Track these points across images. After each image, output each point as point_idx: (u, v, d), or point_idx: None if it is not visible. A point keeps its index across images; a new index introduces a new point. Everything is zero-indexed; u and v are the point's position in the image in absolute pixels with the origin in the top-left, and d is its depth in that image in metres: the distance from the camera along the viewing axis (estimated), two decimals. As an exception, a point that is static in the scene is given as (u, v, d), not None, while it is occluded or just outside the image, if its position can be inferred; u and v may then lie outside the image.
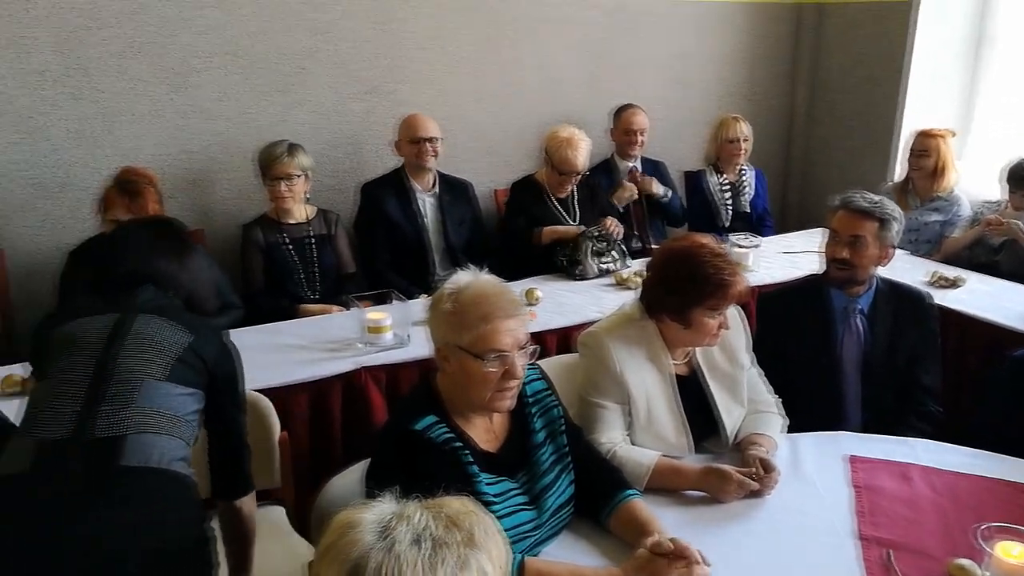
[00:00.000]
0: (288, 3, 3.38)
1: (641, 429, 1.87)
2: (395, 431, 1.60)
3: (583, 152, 3.44)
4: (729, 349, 1.98)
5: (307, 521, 2.39)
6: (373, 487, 1.54)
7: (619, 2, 4.16)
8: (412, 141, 3.33)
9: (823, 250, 2.37)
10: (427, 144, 3.33)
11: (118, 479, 1.50)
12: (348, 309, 3.03)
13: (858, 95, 4.56)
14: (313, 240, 3.19)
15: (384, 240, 3.41)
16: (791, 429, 2.04)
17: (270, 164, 3.04)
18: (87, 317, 1.66)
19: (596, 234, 3.26)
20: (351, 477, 1.87)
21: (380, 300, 2.79)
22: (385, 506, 0.99)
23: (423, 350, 2.64)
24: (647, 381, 1.88)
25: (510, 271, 2.69)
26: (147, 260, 1.76)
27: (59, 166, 3.12)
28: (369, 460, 1.76)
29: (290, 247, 3.14)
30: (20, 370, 2.40)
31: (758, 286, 3.10)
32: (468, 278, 1.60)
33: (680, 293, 1.81)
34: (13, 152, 3.03)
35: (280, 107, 3.45)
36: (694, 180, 4.07)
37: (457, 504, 0.99)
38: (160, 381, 1.60)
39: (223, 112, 3.36)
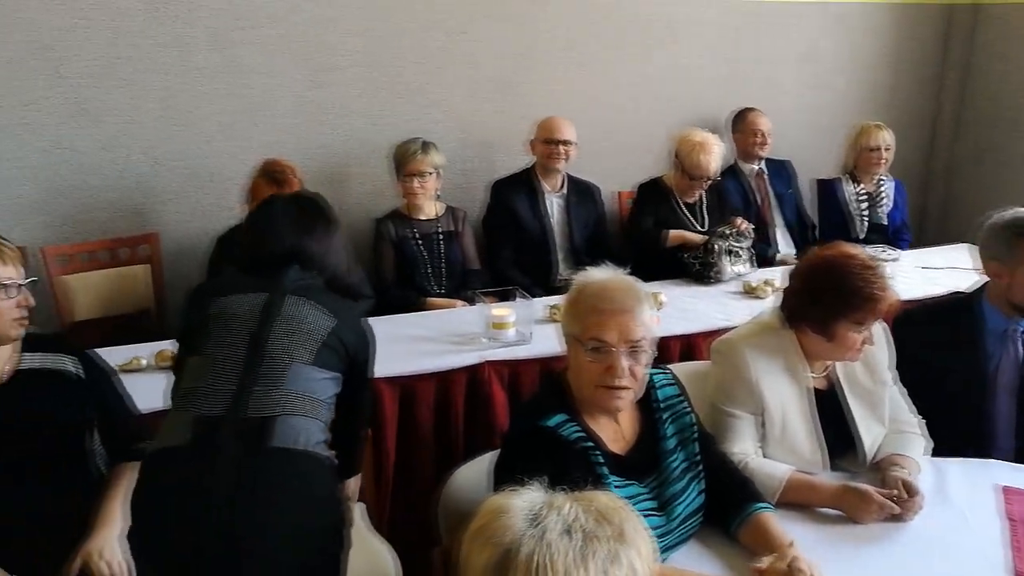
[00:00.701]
0: (427, 4, 3.48)
1: (775, 442, 1.82)
2: (525, 427, 1.61)
3: (716, 157, 3.38)
4: (872, 364, 1.90)
5: (386, 517, 2.46)
6: (502, 481, 1.57)
7: (754, 2, 4.06)
8: (546, 142, 3.36)
9: (982, 270, 2.21)
10: (560, 147, 3.36)
11: (267, 458, 1.58)
12: (472, 304, 3.10)
13: (1016, 104, 4.27)
14: (441, 236, 3.27)
15: (509, 238, 3.46)
16: (933, 453, 1.94)
17: (404, 161, 3.14)
18: (239, 295, 1.74)
19: (727, 233, 3.19)
20: (477, 468, 1.90)
21: (504, 297, 2.83)
22: (534, 495, 1.00)
23: (545, 348, 2.67)
24: (783, 393, 1.83)
25: (634, 274, 2.67)
26: (294, 238, 1.81)
27: (210, 157, 3.32)
28: (497, 453, 1.79)
29: (419, 242, 3.23)
30: (170, 346, 2.57)
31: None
32: (602, 273, 1.60)
33: (825, 304, 1.75)
34: (171, 143, 3.25)
35: (415, 106, 3.55)
36: (828, 188, 3.91)
37: (606, 499, 1.00)
38: (306, 365, 1.67)
39: (361, 110, 3.48)
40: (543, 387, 1.78)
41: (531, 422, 1.58)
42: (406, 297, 3.14)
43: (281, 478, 1.57)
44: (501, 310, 2.70)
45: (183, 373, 1.74)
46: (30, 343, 1.88)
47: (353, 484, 1.94)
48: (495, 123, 3.72)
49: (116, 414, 1.96)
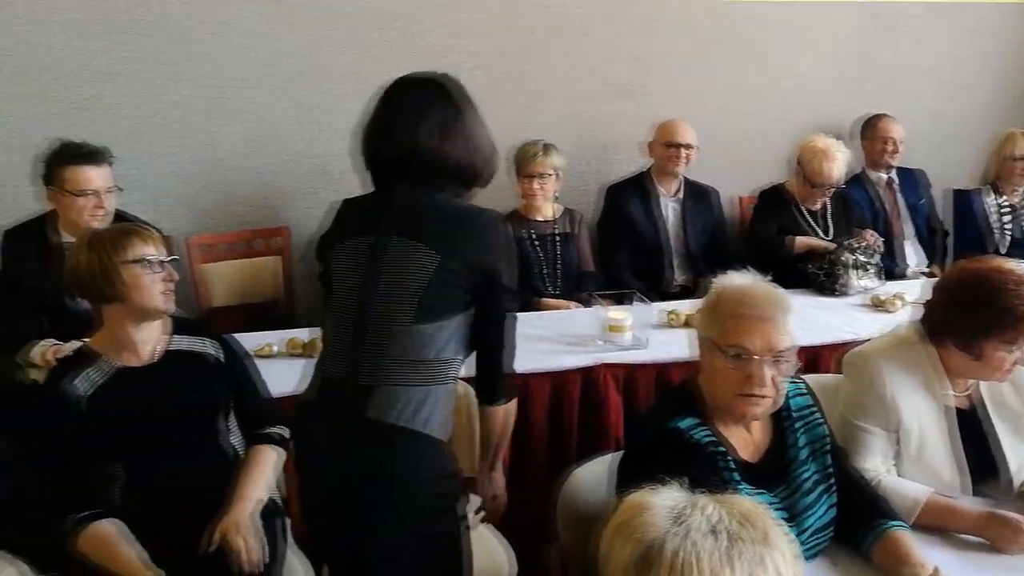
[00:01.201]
0: (551, 6, 3.51)
1: (910, 461, 1.75)
2: (654, 427, 1.61)
3: (840, 165, 3.27)
4: (1021, 385, 1.79)
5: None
6: (626, 481, 1.58)
7: (882, 4, 3.90)
8: (667, 145, 3.34)
9: None
10: (681, 150, 3.33)
11: (360, 431, 1.60)
12: (586, 306, 3.12)
13: None
14: (557, 237, 3.29)
15: (624, 242, 3.45)
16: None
17: (525, 162, 3.18)
18: (349, 240, 1.70)
19: (855, 246, 3.08)
20: (596, 468, 1.91)
21: (621, 300, 2.83)
22: (675, 494, 1.01)
23: (662, 353, 2.66)
24: (920, 410, 1.75)
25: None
26: (403, 134, 1.72)
27: (341, 156, 3.44)
28: (618, 454, 1.80)
29: (535, 242, 3.26)
30: (300, 334, 2.70)
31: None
32: (743, 279, 1.58)
33: (972, 320, 1.66)
34: (305, 141, 3.41)
35: (535, 107, 3.59)
36: (965, 200, 3.71)
37: (748, 503, 0.99)
38: (412, 324, 1.59)
39: (483, 111, 3.53)
40: (671, 390, 1.76)
41: (659, 423, 1.58)
42: (521, 297, 3.17)
43: (373, 453, 1.59)
44: (618, 313, 2.70)
45: (323, 329, 1.77)
46: (178, 326, 2.00)
47: (501, 417, 1.75)
48: (613, 125, 3.72)
49: (250, 397, 2.07)
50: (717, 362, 1.53)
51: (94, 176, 2.57)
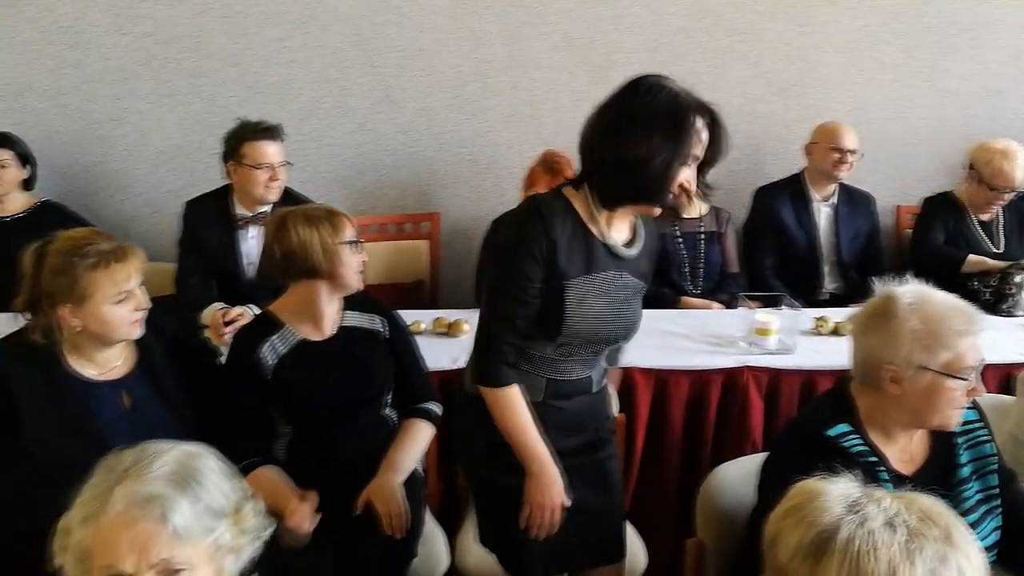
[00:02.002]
0: (708, 4, 3.46)
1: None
2: (803, 433, 1.57)
3: (1021, 166, 3.05)
4: None
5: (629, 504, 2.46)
6: (772, 482, 1.55)
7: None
8: (832, 149, 3.22)
9: None
10: (848, 155, 3.20)
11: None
12: (729, 308, 3.07)
13: None
14: (703, 235, 3.25)
15: (772, 246, 3.36)
16: None
17: (678, 158, 3.15)
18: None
19: (1030, 268, 2.89)
20: (739, 468, 1.89)
21: (767, 303, 2.77)
22: (848, 484, 0.99)
23: (809, 360, 2.58)
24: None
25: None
26: None
27: (490, 146, 3.55)
28: (764, 455, 1.77)
29: (680, 240, 3.23)
30: (445, 314, 2.79)
31: None
32: (918, 291, 1.51)
33: None
34: (458, 131, 3.51)
35: (687, 104, 3.54)
36: None
37: (928, 501, 0.96)
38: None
39: (634, 106, 3.54)
40: (824, 395, 1.71)
41: (812, 430, 1.54)
42: (661, 294, 3.15)
43: None
44: (766, 316, 2.64)
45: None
46: (349, 302, 2.12)
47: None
48: (768, 126, 3.62)
49: (411, 373, 2.18)
50: (943, 387, 1.45)
51: (271, 150, 2.78)
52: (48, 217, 3.19)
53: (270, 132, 2.80)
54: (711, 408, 2.57)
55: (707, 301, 3.14)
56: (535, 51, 3.44)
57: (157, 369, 1.98)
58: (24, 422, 1.82)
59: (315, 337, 2.05)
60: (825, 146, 3.27)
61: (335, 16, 3.32)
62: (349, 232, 2.03)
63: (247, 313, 2.66)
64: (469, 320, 2.79)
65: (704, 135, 1.68)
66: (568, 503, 1.76)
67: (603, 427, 1.90)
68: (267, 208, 2.89)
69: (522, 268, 1.64)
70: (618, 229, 1.75)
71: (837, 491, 0.97)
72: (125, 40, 3.29)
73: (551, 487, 1.72)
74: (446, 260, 3.53)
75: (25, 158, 3.16)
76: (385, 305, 2.21)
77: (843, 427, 1.52)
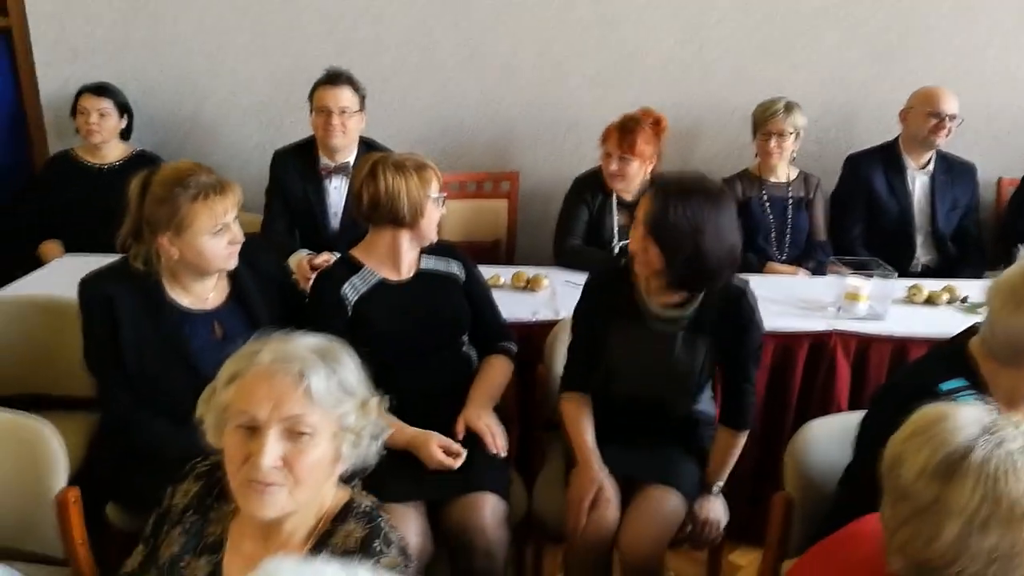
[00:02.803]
0: (807, -37, 3.34)
1: None
2: (913, 385, 1.50)
3: None
4: None
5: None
6: (873, 437, 1.50)
7: None
8: (932, 114, 3.07)
9: None
10: (946, 120, 3.06)
11: None
12: (815, 275, 2.98)
13: None
14: (791, 201, 3.16)
15: (862, 215, 3.24)
16: None
17: (765, 119, 3.06)
18: None
19: None
20: (830, 424, 1.86)
21: (858, 269, 2.67)
22: (977, 409, 0.94)
23: (899, 328, 2.49)
24: None
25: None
26: None
27: (573, 106, 3.51)
28: (852, 414, 1.72)
29: (767, 204, 3.14)
30: (525, 270, 2.79)
31: None
32: None
33: None
34: (540, 90, 3.49)
35: (779, 68, 3.44)
36: None
37: None
38: None
39: (722, 69, 3.46)
40: (940, 349, 1.63)
41: (923, 381, 1.47)
42: (746, 260, 3.07)
43: None
44: (857, 281, 2.55)
45: None
46: (428, 247, 2.17)
47: None
48: (864, 91, 3.48)
49: (487, 314, 2.23)
50: None
51: (331, 96, 2.83)
52: (144, 166, 3.24)
53: (332, 78, 2.86)
54: (796, 372, 2.51)
55: (793, 268, 3.06)
56: (623, 10, 3.38)
57: (250, 301, 2.04)
58: (124, 344, 1.89)
59: (394, 278, 2.10)
60: (922, 111, 3.12)
61: (420, -28, 3.34)
62: (435, 187, 2.07)
63: (332, 259, 2.71)
64: (548, 275, 2.79)
65: None
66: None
67: None
68: (350, 159, 2.93)
69: None
70: None
71: (968, 414, 0.93)
72: (221, -5, 3.36)
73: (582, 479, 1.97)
74: (523, 220, 3.52)
75: (124, 108, 3.28)
76: (459, 250, 2.26)
77: (959, 382, 1.46)
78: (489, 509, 1.89)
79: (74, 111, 3.22)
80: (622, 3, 3.37)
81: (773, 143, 3.05)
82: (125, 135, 3.32)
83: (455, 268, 2.19)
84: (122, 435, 1.90)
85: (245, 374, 1.16)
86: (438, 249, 2.19)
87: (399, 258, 2.09)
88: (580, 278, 2.44)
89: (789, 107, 3.05)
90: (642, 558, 1.90)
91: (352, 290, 2.06)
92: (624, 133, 2.80)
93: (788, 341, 2.49)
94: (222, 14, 3.39)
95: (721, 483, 2.06)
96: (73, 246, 3.12)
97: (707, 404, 2.18)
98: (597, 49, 3.43)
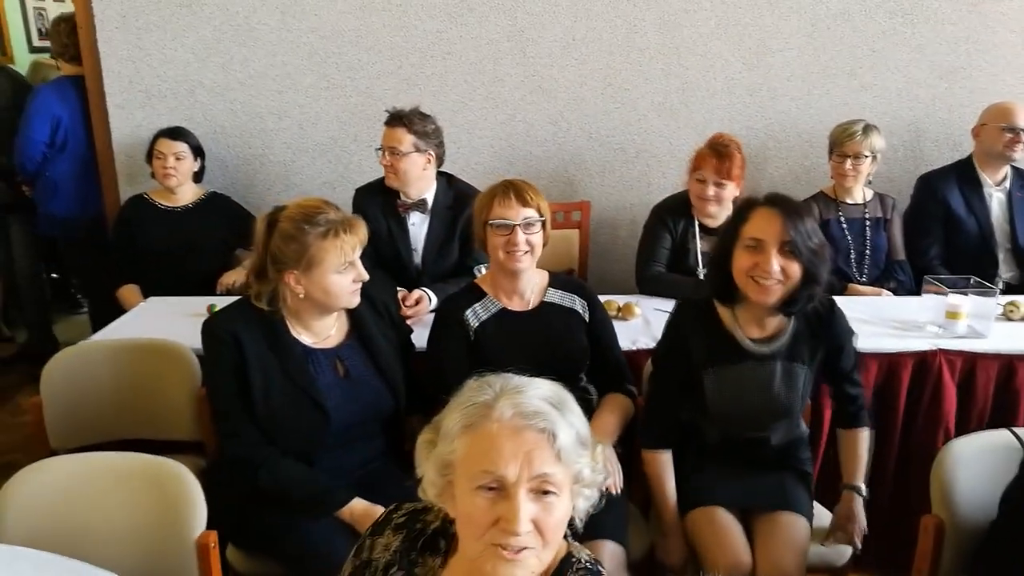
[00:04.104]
0: (871, -15, 3.37)
1: None
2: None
3: None
4: None
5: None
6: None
7: None
8: (1005, 128, 3.07)
9: None
10: (1022, 134, 3.05)
11: None
12: (897, 296, 2.97)
13: None
14: (868, 222, 3.14)
15: (938, 234, 3.23)
16: None
17: (842, 140, 3.06)
18: None
19: None
20: (973, 443, 1.83)
21: (955, 285, 2.66)
22: None
23: (1003, 345, 2.46)
24: None
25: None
26: None
27: (640, 134, 3.53)
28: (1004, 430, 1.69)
29: (844, 226, 3.13)
30: (613, 299, 2.77)
31: None
32: None
33: None
34: (607, 119, 3.50)
35: (845, 90, 3.45)
36: None
37: None
38: None
39: (789, 92, 3.47)
40: None
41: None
42: (828, 283, 3.05)
43: None
44: (957, 299, 2.53)
45: None
46: (555, 280, 2.19)
47: None
48: (930, 111, 3.49)
49: (609, 355, 2.22)
50: None
51: (387, 135, 2.83)
52: (217, 207, 3.33)
53: (389, 119, 2.84)
54: (901, 392, 2.48)
55: (876, 289, 3.04)
56: (688, 37, 3.40)
57: (370, 338, 2.03)
58: (252, 384, 1.88)
59: (516, 308, 2.10)
60: (996, 126, 3.11)
61: (492, 7, 3.36)
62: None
63: (424, 297, 2.70)
64: (639, 303, 2.77)
65: None
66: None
67: None
68: (427, 195, 2.93)
69: None
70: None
71: None
72: (290, 36, 3.40)
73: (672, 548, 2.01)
74: (595, 249, 3.52)
75: (198, 151, 3.31)
76: (589, 289, 2.25)
77: None
78: (607, 557, 1.85)
79: (149, 155, 3.25)
80: (687, 32, 3.40)
81: (849, 165, 3.05)
82: (198, 177, 3.34)
83: (578, 306, 2.20)
84: (248, 476, 1.88)
85: (480, 428, 1.08)
86: (567, 284, 2.22)
87: (512, 288, 2.13)
88: (668, 305, 2.44)
89: (867, 129, 3.04)
90: (785, 587, 1.86)
91: (474, 316, 2.08)
92: (721, 159, 2.79)
93: (893, 360, 2.46)
94: (290, 55, 3.42)
95: (862, 483, 2.06)
96: (149, 288, 3.12)
97: (802, 426, 2.17)
98: (663, 77, 3.45)
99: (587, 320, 2.18)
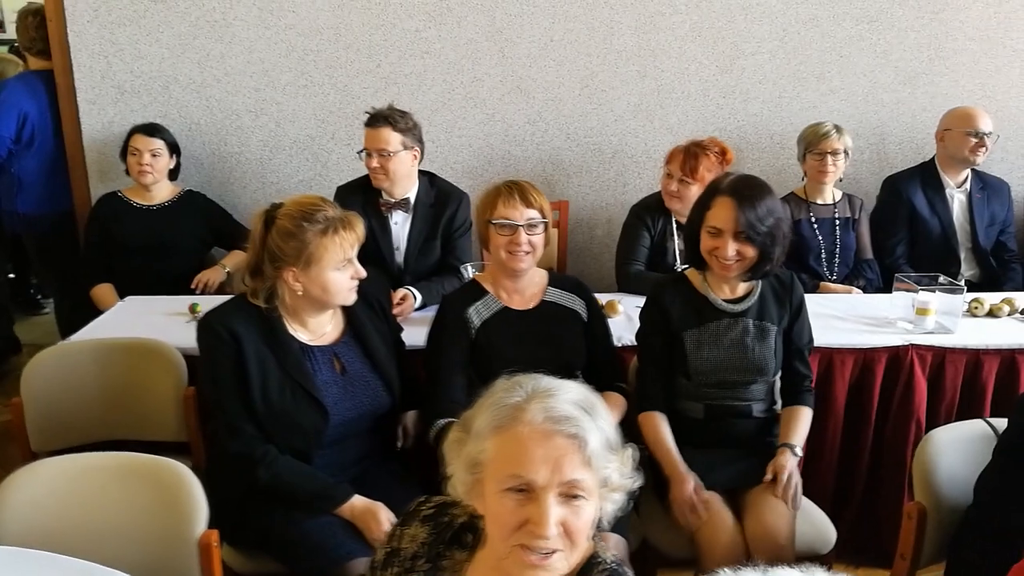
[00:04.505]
0: (835, -9, 3.48)
1: None
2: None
3: None
4: None
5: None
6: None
7: None
8: (968, 133, 3.20)
9: None
10: (985, 139, 3.18)
11: None
12: (865, 293, 3.08)
13: None
14: (838, 222, 3.24)
15: (904, 234, 3.35)
16: None
17: (818, 139, 3.14)
18: None
19: None
20: (954, 432, 1.91)
21: (922, 283, 2.76)
22: None
23: (972, 340, 2.57)
24: None
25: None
26: None
27: (616, 135, 3.58)
28: (978, 420, 1.78)
29: (816, 226, 3.23)
30: (599, 297, 2.81)
31: None
32: None
33: None
34: (584, 120, 3.55)
35: (814, 93, 3.55)
36: None
37: None
38: None
39: (760, 95, 3.56)
40: None
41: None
42: (800, 281, 3.13)
43: None
44: (927, 296, 2.63)
45: None
46: (554, 280, 2.21)
47: None
48: (894, 115, 3.61)
49: (604, 354, 2.27)
50: None
51: (371, 136, 2.80)
52: (192, 205, 3.29)
53: (371, 119, 2.82)
54: (875, 386, 2.56)
55: (847, 287, 3.14)
56: (664, 40, 3.47)
57: (365, 335, 2.04)
58: (250, 381, 1.87)
59: (517, 307, 2.13)
60: (960, 131, 3.24)
61: (471, 7, 3.38)
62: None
63: (409, 295, 2.71)
64: (622, 301, 2.82)
65: None
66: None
67: None
68: (410, 195, 2.94)
69: None
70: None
71: None
72: (268, 33, 3.38)
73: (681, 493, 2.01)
74: (574, 248, 3.57)
75: (174, 147, 3.27)
76: (588, 288, 2.28)
77: None
78: (611, 549, 1.88)
79: (124, 151, 3.20)
80: (662, 34, 3.46)
81: (829, 161, 3.14)
82: (173, 175, 3.30)
83: (578, 305, 2.24)
84: (248, 473, 1.87)
85: (510, 430, 1.09)
86: (567, 284, 2.25)
87: (512, 286, 2.17)
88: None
89: (839, 128, 3.15)
90: (778, 560, 1.92)
91: (476, 315, 2.11)
92: (688, 157, 2.86)
93: (868, 355, 2.54)
94: (267, 51, 3.40)
95: (798, 445, 2.14)
96: (122, 287, 3.07)
97: (778, 402, 2.27)
98: (639, 79, 3.51)
99: (585, 319, 2.22)
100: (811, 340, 2.28)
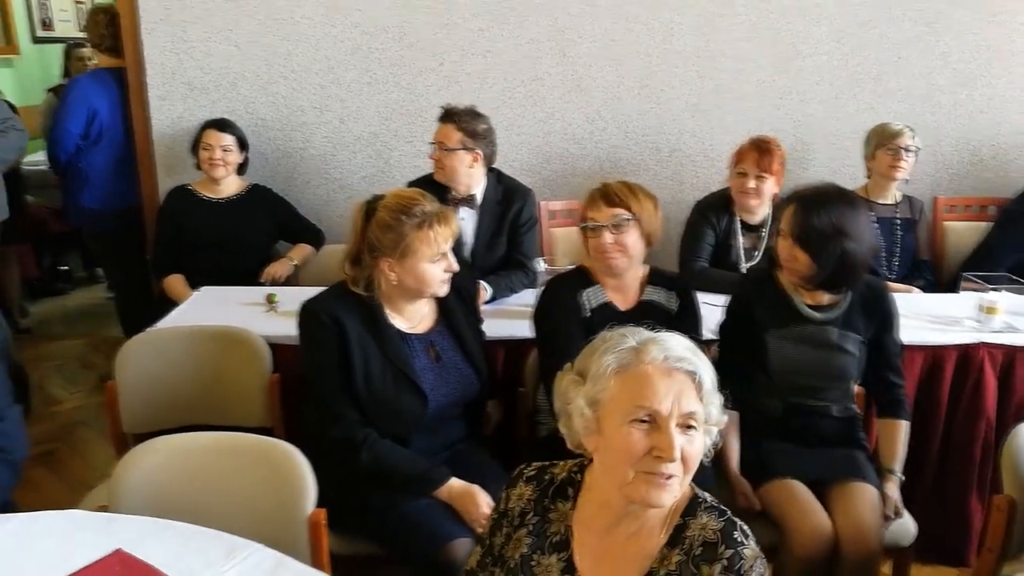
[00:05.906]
0: (894, -5, 3.50)
1: None
2: None
3: None
4: None
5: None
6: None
7: None
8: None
9: None
10: None
11: None
12: (925, 292, 3.10)
13: None
14: (899, 222, 3.27)
15: None
16: None
17: (890, 136, 3.16)
18: None
19: None
20: None
21: (990, 282, 2.80)
22: None
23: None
24: None
25: None
26: None
27: (673, 134, 3.62)
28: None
29: (876, 226, 3.25)
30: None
31: None
32: None
33: None
34: (643, 119, 3.59)
35: (871, 95, 3.58)
36: None
37: None
38: None
39: (817, 96, 3.59)
40: None
41: None
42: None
43: None
44: (995, 295, 2.65)
45: None
46: (654, 278, 2.24)
47: None
48: (951, 116, 3.62)
49: None
50: None
51: (438, 132, 2.87)
52: (260, 199, 3.36)
53: (442, 115, 2.89)
54: (944, 385, 2.58)
55: (907, 286, 3.16)
56: (722, 41, 3.50)
57: (456, 324, 2.09)
58: (353, 366, 1.93)
59: (619, 304, 2.18)
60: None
61: (533, 7, 3.44)
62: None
63: (482, 289, 2.76)
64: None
65: None
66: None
67: None
68: (476, 192, 2.98)
69: None
70: None
71: None
72: (334, 31, 3.44)
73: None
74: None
75: (243, 143, 3.33)
76: (685, 282, 2.31)
77: None
78: None
79: (195, 146, 3.27)
80: (720, 35, 3.50)
81: (902, 156, 3.16)
82: (241, 169, 3.37)
83: (674, 302, 2.24)
84: (350, 457, 1.92)
85: (633, 368, 1.23)
86: (665, 281, 2.26)
87: (623, 286, 2.21)
88: (712, 299, 2.54)
89: (911, 128, 3.19)
90: (868, 552, 1.96)
91: (587, 301, 2.16)
92: (761, 153, 2.90)
93: (937, 354, 2.57)
94: (333, 49, 3.47)
95: (898, 468, 2.17)
96: (190, 280, 3.14)
97: (856, 407, 2.29)
98: (697, 79, 3.55)
99: (675, 314, 2.22)
100: (901, 352, 2.28)
